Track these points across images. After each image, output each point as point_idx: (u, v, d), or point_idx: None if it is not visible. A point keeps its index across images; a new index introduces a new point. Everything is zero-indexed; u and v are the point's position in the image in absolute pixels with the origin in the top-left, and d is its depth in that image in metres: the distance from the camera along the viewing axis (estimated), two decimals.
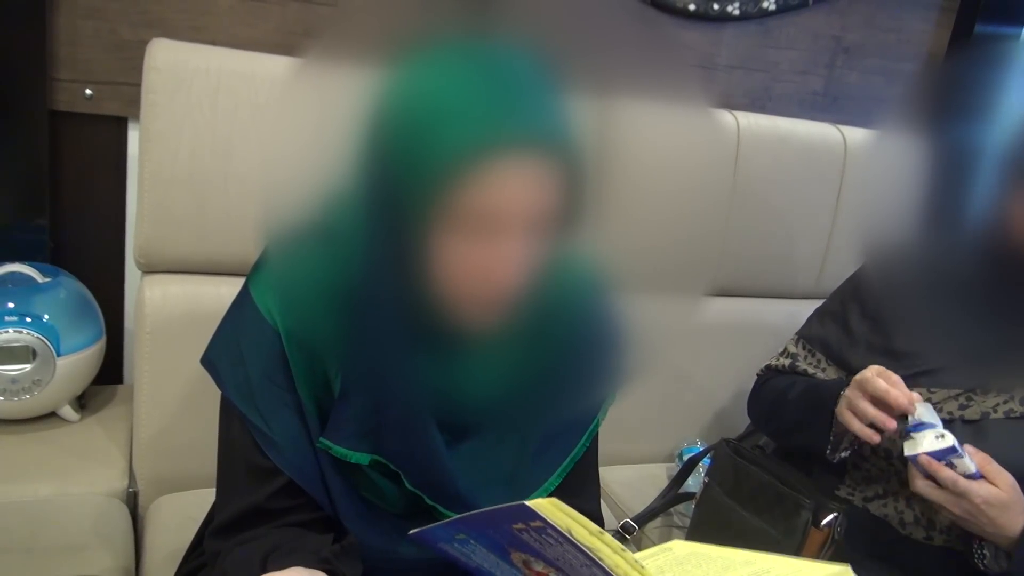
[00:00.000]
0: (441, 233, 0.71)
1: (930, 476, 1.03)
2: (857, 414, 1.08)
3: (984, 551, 1.06)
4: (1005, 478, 1.02)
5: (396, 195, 0.71)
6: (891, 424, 1.05)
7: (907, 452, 1.04)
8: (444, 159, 0.68)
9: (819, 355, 1.29)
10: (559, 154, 0.71)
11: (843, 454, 1.15)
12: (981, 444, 1.07)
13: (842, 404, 1.11)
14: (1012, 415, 1.09)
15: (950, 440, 1.02)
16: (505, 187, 0.69)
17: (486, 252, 0.71)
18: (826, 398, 1.15)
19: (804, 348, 1.32)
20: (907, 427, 1.04)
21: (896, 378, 1.07)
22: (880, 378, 1.06)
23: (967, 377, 1.11)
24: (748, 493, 1.19)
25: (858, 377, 1.09)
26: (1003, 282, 1.03)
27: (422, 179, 0.69)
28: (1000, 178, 1.01)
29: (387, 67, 0.72)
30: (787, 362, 1.33)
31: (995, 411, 1.10)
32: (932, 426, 1.03)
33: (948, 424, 1.10)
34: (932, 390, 1.13)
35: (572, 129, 0.73)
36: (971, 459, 1.02)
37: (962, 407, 1.11)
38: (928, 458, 1.02)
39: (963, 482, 1.00)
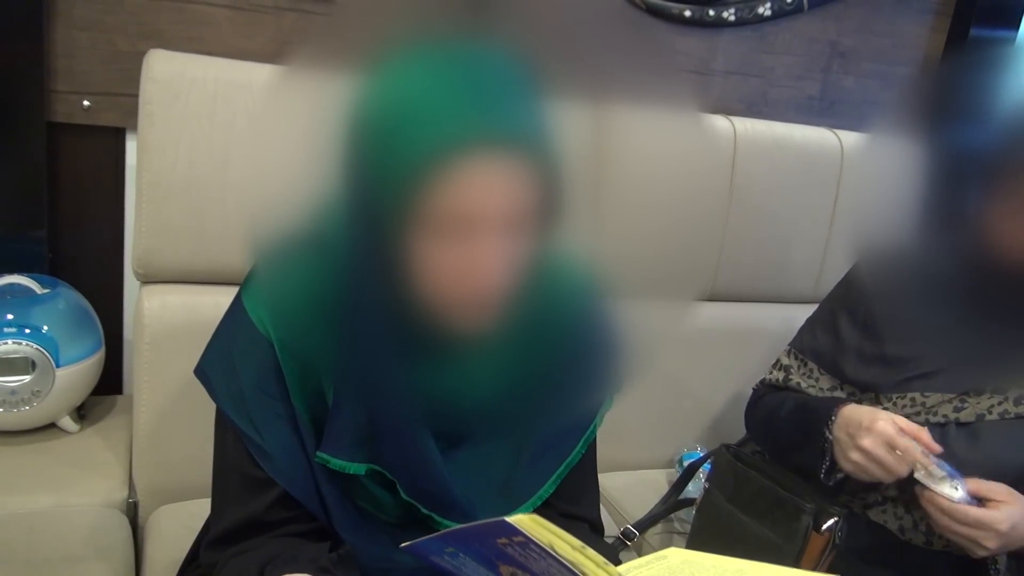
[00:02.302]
0: (420, 236, 0.71)
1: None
2: (871, 458, 1.06)
3: (998, 564, 1.06)
4: (1001, 490, 1.02)
5: (373, 198, 0.71)
6: (903, 471, 1.05)
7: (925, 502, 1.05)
8: (415, 159, 0.68)
9: (811, 364, 1.28)
10: (533, 153, 0.70)
11: (839, 475, 1.15)
12: (977, 446, 1.07)
13: (845, 446, 1.09)
14: (1007, 416, 1.08)
15: (946, 468, 1.03)
16: (479, 187, 0.69)
17: (465, 254, 0.71)
18: (817, 422, 1.15)
19: (796, 359, 1.31)
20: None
21: (915, 428, 1.06)
22: (899, 435, 1.05)
23: (960, 380, 1.11)
24: (749, 498, 1.19)
25: (874, 428, 1.07)
26: (993, 285, 1.03)
27: (396, 181, 0.69)
28: (988, 185, 1.01)
29: (368, 71, 0.72)
30: (780, 376, 1.32)
31: (990, 412, 1.09)
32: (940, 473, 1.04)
33: (943, 427, 1.10)
34: (926, 394, 1.12)
35: (546, 127, 0.72)
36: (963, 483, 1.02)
37: (957, 409, 1.11)
38: (952, 505, 1.02)
39: (985, 515, 1.00)
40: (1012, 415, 1.08)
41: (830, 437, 1.12)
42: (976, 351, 1.08)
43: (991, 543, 1.01)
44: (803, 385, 1.28)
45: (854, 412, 1.11)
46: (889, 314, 1.16)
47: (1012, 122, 0.99)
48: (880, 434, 1.06)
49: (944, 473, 1.03)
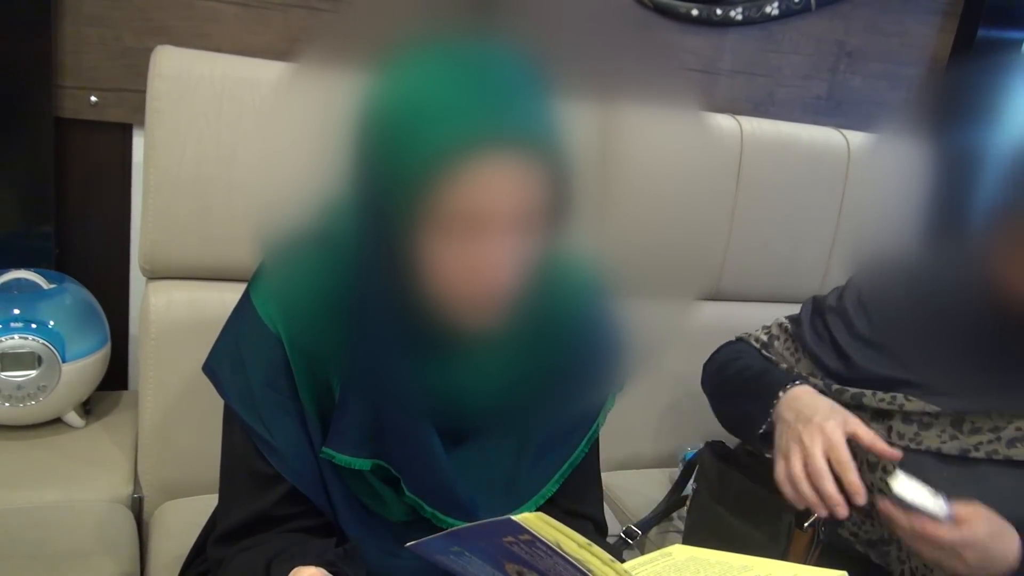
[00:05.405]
0: (429, 234, 0.71)
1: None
2: (807, 462, 0.97)
3: None
4: (978, 512, 0.94)
5: (382, 196, 0.71)
6: (812, 501, 0.96)
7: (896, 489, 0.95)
8: (425, 158, 0.68)
9: (798, 344, 1.21)
10: (543, 151, 0.70)
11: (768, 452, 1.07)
12: (962, 482, 1.01)
13: (788, 431, 1.01)
14: (995, 456, 1.01)
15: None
16: (488, 185, 0.69)
17: (474, 252, 0.71)
18: (767, 393, 1.08)
19: (786, 333, 1.24)
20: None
21: (870, 435, 0.98)
22: (843, 446, 0.96)
23: (953, 400, 1.02)
24: (733, 498, 1.16)
25: (825, 429, 0.97)
26: (994, 317, 0.97)
27: (405, 179, 0.69)
28: (990, 225, 0.96)
29: (378, 69, 0.73)
30: (764, 338, 1.26)
31: (976, 449, 1.01)
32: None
33: (918, 454, 1.04)
34: (909, 397, 1.05)
35: (556, 126, 0.72)
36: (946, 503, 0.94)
37: (942, 440, 1.03)
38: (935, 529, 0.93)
39: (968, 535, 0.91)
40: (1001, 457, 1.00)
41: (771, 413, 1.05)
42: (974, 380, 1.01)
43: (971, 558, 0.92)
44: (777, 360, 1.22)
45: (809, 398, 1.02)
46: (891, 324, 1.10)
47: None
48: (827, 438, 0.96)
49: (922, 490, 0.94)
